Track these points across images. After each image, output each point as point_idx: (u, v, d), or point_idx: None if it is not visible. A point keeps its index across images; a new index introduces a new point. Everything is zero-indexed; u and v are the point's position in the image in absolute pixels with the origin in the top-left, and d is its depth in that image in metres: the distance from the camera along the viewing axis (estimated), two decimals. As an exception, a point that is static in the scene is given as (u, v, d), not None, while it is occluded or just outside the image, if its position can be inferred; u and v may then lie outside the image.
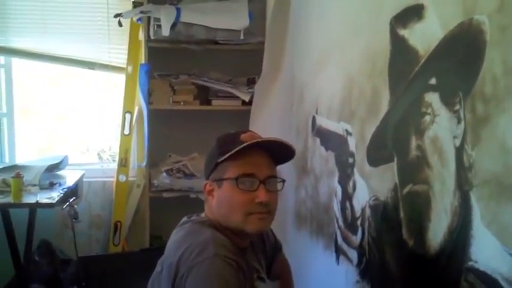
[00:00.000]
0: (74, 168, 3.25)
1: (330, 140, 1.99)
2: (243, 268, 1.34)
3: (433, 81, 1.24)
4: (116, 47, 3.30)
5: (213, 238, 1.33)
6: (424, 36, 1.28)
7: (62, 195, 2.64)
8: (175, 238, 1.42)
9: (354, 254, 1.74)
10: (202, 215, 1.48)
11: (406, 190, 1.37)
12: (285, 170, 2.32)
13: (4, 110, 3.34)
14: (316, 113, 2.13)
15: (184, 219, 1.49)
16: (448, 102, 1.17)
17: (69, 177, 2.99)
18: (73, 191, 2.84)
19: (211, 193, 1.43)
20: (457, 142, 1.13)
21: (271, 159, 1.42)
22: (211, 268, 1.25)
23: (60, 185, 2.80)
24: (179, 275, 1.27)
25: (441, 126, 1.20)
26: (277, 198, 1.42)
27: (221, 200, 1.40)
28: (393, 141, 1.45)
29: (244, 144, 1.36)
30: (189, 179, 3.17)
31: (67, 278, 2.97)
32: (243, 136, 1.40)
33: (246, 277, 1.35)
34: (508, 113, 0.97)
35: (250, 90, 3.15)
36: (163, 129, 3.27)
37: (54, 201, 2.53)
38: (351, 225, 1.77)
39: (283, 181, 1.45)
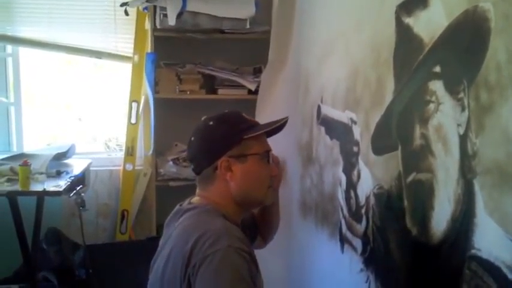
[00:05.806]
0: (81, 157, 3.27)
1: (334, 129, 1.99)
2: (255, 260, 1.34)
3: (437, 69, 1.24)
4: (122, 36, 3.31)
5: (226, 229, 1.33)
6: (429, 24, 1.27)
7: (69, 183, 2.65)
8: (182, 226, 1.40)
9: (358, 243, 1.74)
10: (194, 200, 1.49)
11: (410, 178, 1.37)
12: (290, 159, 2.34)
13: (12, 99, 3.36)
14: (321, 102, 2.13)
15: (178, 207, 1.50)
16: (452, 90, 1.16)
17: (76, 165, 3.01)
18: (80, 180, 2.86)
19: (230, 168, 1.44)
20: (461, 130, 1.13)
21: None
22: (224, 259, 1.25)
23: (67, 173, 2.82)
24: (191, 264, 1.27)
25: (445, 114, 1.20)
26: None
27: (247, 174, 1.45)
28: (397, 130, 1.45)
29: (279, 124, 1.51)
30: (195, 168, 3.18)
31: (76, 261, 3.00)
32: (243, 115, 1.54)
33: (258, 269, 1.36)
34: (511, 101, 0.96)
35: (256, 79, 3.15)
36: (170, 118, 3.28)
37: (61, 189, 2.54)
38: (355, 214, 1.77)
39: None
